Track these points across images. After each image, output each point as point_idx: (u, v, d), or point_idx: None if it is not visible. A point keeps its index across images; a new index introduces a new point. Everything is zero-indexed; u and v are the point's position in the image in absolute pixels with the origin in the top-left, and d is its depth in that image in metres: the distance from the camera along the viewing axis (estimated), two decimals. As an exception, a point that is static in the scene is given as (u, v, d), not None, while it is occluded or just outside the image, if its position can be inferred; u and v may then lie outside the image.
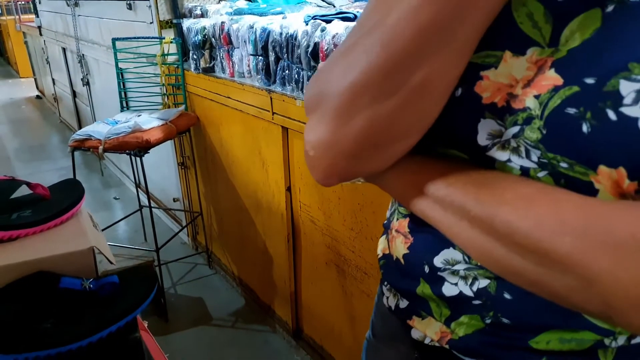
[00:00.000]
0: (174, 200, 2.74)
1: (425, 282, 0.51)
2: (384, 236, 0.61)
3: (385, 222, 0.60)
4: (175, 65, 2.25)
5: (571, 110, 0.35)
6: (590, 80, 0.34)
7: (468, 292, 0.47)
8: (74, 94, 4.66)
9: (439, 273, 0.49)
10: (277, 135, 1.70)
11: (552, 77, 0.36)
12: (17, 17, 6.70)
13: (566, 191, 0.35)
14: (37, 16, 4.92)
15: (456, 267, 0.47)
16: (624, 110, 0.33)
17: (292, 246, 1.84)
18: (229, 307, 2.21)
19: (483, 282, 0.46)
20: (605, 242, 0.31)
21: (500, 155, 0.41)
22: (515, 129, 0.39)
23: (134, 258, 2.18)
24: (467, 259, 0.46)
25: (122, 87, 2.39)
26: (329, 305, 1.73)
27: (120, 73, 2.36)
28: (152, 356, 0.71)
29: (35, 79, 6.86)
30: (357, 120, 0.41)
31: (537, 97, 0.37)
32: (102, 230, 2.61)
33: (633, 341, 0.43)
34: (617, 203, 0.33)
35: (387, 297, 0.59)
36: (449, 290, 0.49)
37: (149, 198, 2.13)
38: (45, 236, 0.72)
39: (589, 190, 0.36)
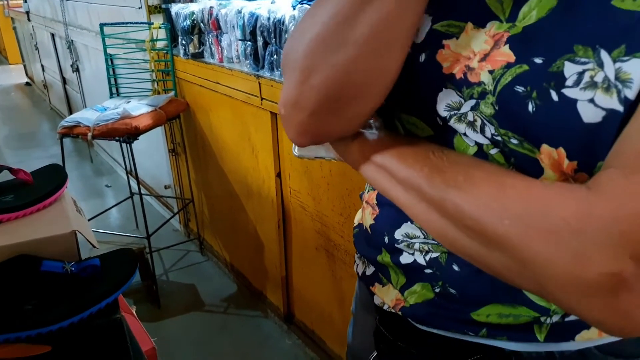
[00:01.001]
0: (165, 187, 2.74)
1: (385, 251, 0.53)
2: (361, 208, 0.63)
3: (361, 192, 0.63)
4: (165, 51, 2.23)
5: (519, 89, 0.36)
6: (538, 60, 0.35)
7: (421, 261, 0.49)
8: (64, 80, 4.62)
9: (396, 245, 0.51)
10: (266, 121, 1.70)
11: (505, 53, 0.37)
12: (5, 2, 6.59)
13: (514, 175, 0.37)
14: (25, 1, 4.85)
15: (413, 241, 0.49)
16: (565, 91, 0.34)
17: (283, 232, 1.85)
18: (221, 293, 2.22)
19: (435, 254, 0.48)
20: (540, 226, 0.32)
21: (458, 127, 0.42)
22: (472, 102, 0.40)
23: (125, 245, 2.17)
24: (424, 234, 0.48)
25: (111, 73, 2.37)
26: (320, 290, 1.74)
27: (109, 59, 2.34)
28: (135, 338, 0.71)
29: (24, 66, 6.78)
30: (316, 75, 0.42)
31: (491, 72, 0.38)
32: (93, 217, 2.61)
33: (567, 319, 0.45)
34: (555, 187, 0.34)
35: (357, 265, 0.62)
36: (405, 259, 0.51)
37: (139, 185, 2.12)
38: (27, 221, 0.72)
39: (536, 168, 0.38)
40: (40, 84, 5.75)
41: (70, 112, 4.72)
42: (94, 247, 0.73)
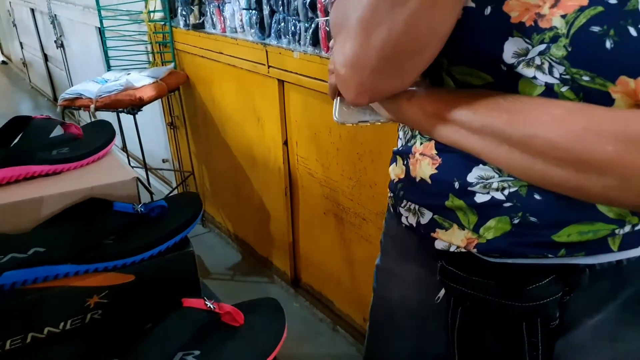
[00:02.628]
0: (163, 161, 2.75)
1: (454, 196, 0.55)
2: (395, 163, 0.65)
3: (400, 148, 0.63)
4: (162, 23, 2.23)
5: (595, 29, 0.40)
6: (613, 1, 0.40)
7: (500, 196, 0.52)
8: (46, 57, 4.52)
9: (469, 188, 0.53)
10: (273, 89, 1.73)
11: None
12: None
13: (596, 107, 0.41)
14: (2, -24, 4.70)
15: (490, 181, 0.52)
16: None
17: (290, 199, 1.89)
18: (226, 262, 2.27)
19: (514, 188, 0.51)
20: (637, 144, 0.37)
21: (526, 71, 0.45)
22: (542, 47, 0.43)
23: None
24: (499, 174, 0.51)
25: (107, 46, 2.35)
26: (327, 253, 1.80)
27: (105, 31, 2.32)
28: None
29: (-1, 44, 6.60)
30: (378, 33, 0.45)
31: (563, 16, 0.42)
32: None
33: (636, 228, 0.50)
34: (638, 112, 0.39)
35: (407, 217, 0.63)
36: (480, 198, 0.53)
37: (143, 156, 2.13)
38: (86, 170, 0.75)
39: (606, 100, 0.42)
40: (19, 62, 5.61)
41: (54, 90, 4.64)
42: (152, 193, 0.77)
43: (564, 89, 0.44)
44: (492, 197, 0.52)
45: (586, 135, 0.39)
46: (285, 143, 1.80)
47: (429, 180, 0.58)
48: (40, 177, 0.71)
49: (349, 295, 1.77)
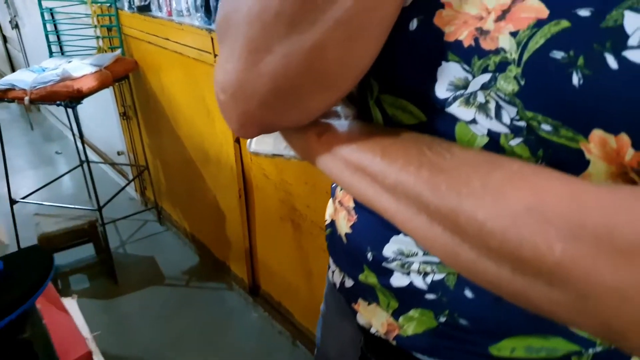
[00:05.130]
0: (119, 153, 2.56)
1: (369, 270, 0.42)
2: (332, 198, 0.52)
3: (333, 184, 0.51)
4: (108, 4, 2.01)
5: (558, 55, 0.25)
6: (584, 12, 0.25)
7: (420, 284, 0.39)
8: (4, 38, 4.26)
9: (385, 264, 0.40)
10: (222, 81, 1.54)
11: (534, 7, 0.26)
12: None
13: (550, 174, 0.26)
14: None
15: (410, 260, 0.38)
16: (628, 55, 0.23)
17: (245, 201, 1.73)
18: (182, 265, 2.11)
19: (439, 275, 0.37)
20: (608, 248, 0.22)
21: (463, 113, 0.30)
22: (485, 77, 0.29)
23: (76, 218, 2.02)
24: (424, 251, 0.38)
25: (48, 29, 2.14)
26: (286, 262, 1.65)
27: (44, 13, 2.10)
28: (55, 354, 0.59)
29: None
30: (272, 57, 0.31)
31: (514, 34, 0.27)
32: (41, 187, 2.43)
33: (614, 346, 0.35)
34: (621, 191, 0.23)
35: (333, 272, 0.52)
36: (398, 281, 0.40)
37: (85, 152, 1.95)
38: None
39: (578, 161, 0.27)
40: (-20, 42, 5.32)
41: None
42: (4, 243, 0.60)
43: (514, 141, 0.29)
44: (412, 282, 0.39)
45: (529, 220, 0.24)
46: (237, 140, 1.63)
47: (344, 240, 0.46)
48: None
49: (308, 307, 1.63)
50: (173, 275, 2.05)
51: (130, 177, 2.58)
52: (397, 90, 0.35)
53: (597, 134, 0.26)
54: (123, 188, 2.26)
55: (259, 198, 1.66)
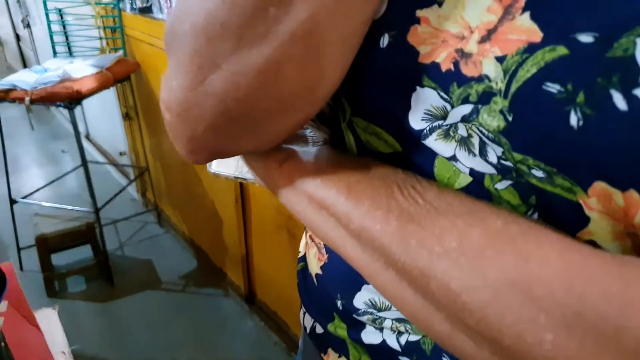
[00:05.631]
0: (121, 154, 2.55)
1: (340, 319, 0.38)
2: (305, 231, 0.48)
3: None
4: (112, 6, 2.00)
5: (553, 88, 0.20)
6: (586, 38, 0.19)
7: (394, 344, 0.34)
8: (17, 37, 4.30)
9: (355, 316, 0.36)
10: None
11: (525, 28, 0.21)
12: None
13: (540, 235, 0.21)
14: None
15: (382, 315, 0.34)
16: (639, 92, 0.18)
17: (242, 207, 1.70)
18: (180, 269, 2.08)
19: (414, 337, 0.33)
20: (614, 346, 0.18)
21: (442, 147, 0.26)
22: (466, 108, 0.24)
23: (75, 219, 2.01)
24: None
25: (53, 30, 2.13)
26: (281, 271, 1.62)
27: (49, 14, 2.10)
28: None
29: (-22, 20, 6.35)
30: (216, 78, 0.26)
31: (500, 60, 0.22)
32: (45, 186, 2.42)
33: None
34: (630, 265, 0.19)
35: (304, 314, 0.47)
36: (369, 337, 0.36)
37: (83, 153, 1.93)
38: None
39: (576, 217, 0.22)
40: (-5, 40, 5.39)
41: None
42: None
43: (501, 185, 0.25)
44: (384, 340, 0.35)
45: (513, 298, 0.20)
46: (235, 146, 1.60)
47: (315, 281, 0.42)
48: None
49: (302, 318, 1.59)
50: (170, 279, 2.03)
51: (132, 178, 2.57)
52: (369, 115, 0.30)
53: (599, 187, 0.21)
54: (123, 189, 2.25)
55: (255, 205, 1.64)
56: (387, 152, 0.30)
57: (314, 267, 0.41)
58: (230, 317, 1.83)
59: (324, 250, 0.40)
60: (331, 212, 0.28)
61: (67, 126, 3.58)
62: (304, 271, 0.46)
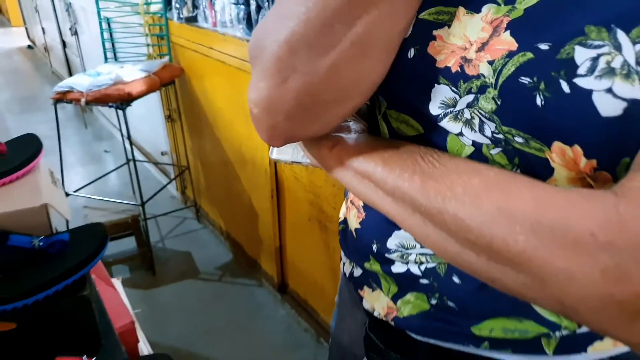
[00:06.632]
0: (162, 153, 2.72)
1: (374, 259, 0.50)
2: (345, 199, 0.60)
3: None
4: (159, 15, 2.17)
5: (525, 80, 0.32)
6: (544, 46, 0.31)
7: (416, 271, 0.46)
8: (64, 44, 4.55)
9: (388, 255, 0.48)
10: (259, 88, 1.65)
11: (506, 41, 0.33)
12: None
13: (519, 180, 0.33)
14: (23, -39, 4.74)
15: (409, 252, 0.46)
16: (578, 81, 0.30)
17: (277, 202, 1.83)
18: (216, 261, 2.22)
19: (432, 264, 0.45)
20: (560, 239, 0.28)
21: (452, 127, 0.38)
22: (470, 97, 0.36)
23: (120, 212, 2.17)
24: (421, 244, 0.45)
25: (104, 37, 2.31)
26: (313, 261, 1.73)
27: (102, 23, 2.28)
28: (107, 315, 0.70)
29: (26, 28, 6.70)
30: (295, 77, 0.38)
31: (491, 63, 0.34)
32: (90, 183, 2.59)
33: (579, 331, 0.42)
34: (573, 193, 0.30)
35: (344, 263, 0.59)
36: (397, 268, 0.48)
37: (132, 151, 2.10)
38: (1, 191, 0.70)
39: (545, 168, 0.34)
40: (42, 47, 5.68)
41: (71, 76, 4.66)
42: (67, 219, 0.71)
43: (494, 151, 0.36)
44: (409, 269, 0.47)
45: (499, 218, 0.31)
46: (272, 145, 1.73)
47: (354, 234, 0.53)
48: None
49: (332, 306, 1.70)
50: (207, 270, 2.17)
51: (172, 176, 2.73)
52: (400, 107, 0.43)
53: (557, 145, 0.32)
54: (165, 186, 2.41)
55: (289, 199, 1.76)
56: (413, 135, 0.42)
57: (354, 224, 0.53)
58: (264, 305, 1.96)
59: (362, 210, 0.51)
60: (372, 179, 0.40)
61: (109, 128, 3.78)
62: (344, 230, 0.58)
